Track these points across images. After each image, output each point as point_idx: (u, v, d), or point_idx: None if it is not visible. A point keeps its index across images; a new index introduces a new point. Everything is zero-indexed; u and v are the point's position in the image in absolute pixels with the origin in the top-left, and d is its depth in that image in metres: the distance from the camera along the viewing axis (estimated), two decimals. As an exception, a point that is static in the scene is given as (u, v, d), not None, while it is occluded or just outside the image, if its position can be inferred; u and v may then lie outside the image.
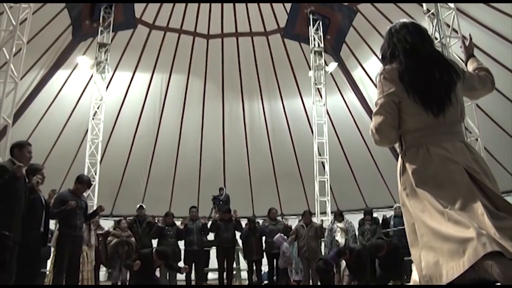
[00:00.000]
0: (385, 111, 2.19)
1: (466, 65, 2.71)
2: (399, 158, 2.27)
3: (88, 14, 14.19)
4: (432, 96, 2.17)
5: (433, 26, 10.19)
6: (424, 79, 2.20)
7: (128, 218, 10.94)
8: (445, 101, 2.17)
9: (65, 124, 15.43)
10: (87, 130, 13.74)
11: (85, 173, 12.14)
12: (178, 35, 16.10)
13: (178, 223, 10.07)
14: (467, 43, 2.81)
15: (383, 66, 2.35)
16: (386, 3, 13.76)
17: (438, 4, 10.00)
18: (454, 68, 2.29)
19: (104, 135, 13.89)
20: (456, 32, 10.10)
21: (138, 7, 15.01)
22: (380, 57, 2.52)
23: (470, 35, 2.87)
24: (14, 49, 8.64)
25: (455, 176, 2.02)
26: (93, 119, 13.50)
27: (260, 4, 15.52)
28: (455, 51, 9.88)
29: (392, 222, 10.63)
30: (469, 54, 2.75)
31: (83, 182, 6.94)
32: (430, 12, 10.28)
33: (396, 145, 2.32)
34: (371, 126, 2.24)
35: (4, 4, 8.66)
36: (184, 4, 15.39)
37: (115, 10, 14.17)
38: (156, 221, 10.50)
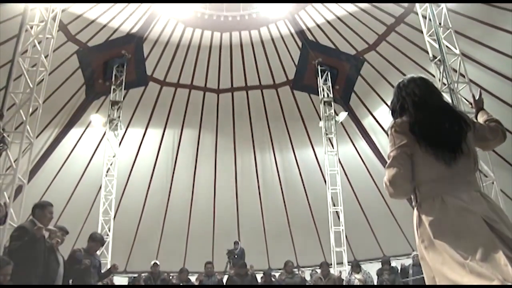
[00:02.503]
0: (398, 163, 2.20)
1: (476, 118, 2.74)
2: (415, 210, 2.24)
3: (101, 73, 14.60)
4: (443, 146, 2.18)
5: (440, 72, 10.30)
6: (434, 130, 2.22)
7: (142, 274, 10.83)
8: (456, 150, 2.18)
9: (79, 182, 15.49)
10: (100, 187, 13.81)
11: (99, 230, 12.15)
12: (189, 91, 16.34)
13: (193, 278, 9.92)
14: (476, 97, 2.85)
15: (394, 120, 2.38)
16: (393, 50, 13.99)
17: (444, 51, 10.15)
18: (463, 118, 2.31)
19: (117, 192, 13.95)
20: (463, 76, 10.19)
21: (149, 65, 15.38)
22: (390, 111, 2.56)
23: (480, 91, 2.92)
24: (30, 110, 8.81)
25: (473, 226, 1.98)
26: (106, 176, 13.60)
27: (269, 57, 15.82)
28: (464, 95, 9.94)
29: (411, 271, 10.37)
30: (479, 108, 2.80)
31: (96, 240, 6.90)
32: (437, 59, 10.41)
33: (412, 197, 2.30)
34: (385, 179, 2.24)
35: (23, 67, 8.91)
36: (194, 61, 15.73)
37: (127, 69, 14.55)
38: (170, 277, 10.36)
